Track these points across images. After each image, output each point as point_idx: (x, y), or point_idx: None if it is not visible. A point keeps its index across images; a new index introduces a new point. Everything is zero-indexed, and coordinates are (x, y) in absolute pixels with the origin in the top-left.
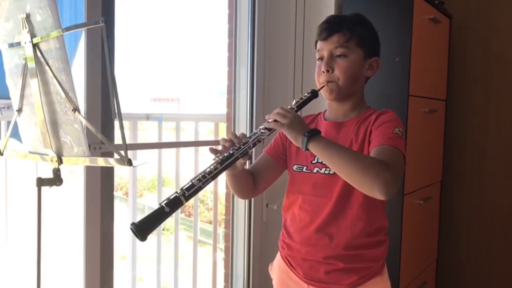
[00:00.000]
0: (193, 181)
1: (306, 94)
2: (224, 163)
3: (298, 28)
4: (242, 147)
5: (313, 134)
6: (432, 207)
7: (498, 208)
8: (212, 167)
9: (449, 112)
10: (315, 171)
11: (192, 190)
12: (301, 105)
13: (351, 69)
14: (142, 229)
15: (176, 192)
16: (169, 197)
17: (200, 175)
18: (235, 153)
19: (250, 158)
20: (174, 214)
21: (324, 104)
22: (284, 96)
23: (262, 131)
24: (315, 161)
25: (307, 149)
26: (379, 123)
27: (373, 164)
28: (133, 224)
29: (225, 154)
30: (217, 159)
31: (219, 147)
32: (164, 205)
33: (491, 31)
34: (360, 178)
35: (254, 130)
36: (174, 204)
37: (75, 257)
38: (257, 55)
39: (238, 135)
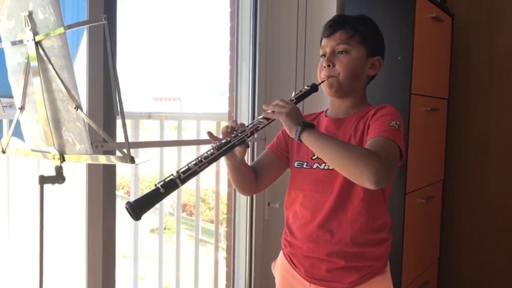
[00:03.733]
0: (189, 164)
1: (306, 87)
2: (221, 149)
3: (300, 27)
4: (239, 134)
5: (307, 125)
6: (434, 206)
7: (501, 206)
8: (209, 152)
9: (451, 110)
10: (314, 166)
11: (187, 173)
12: (301, 97)
13: (352, 65)
14: (137, 208)
15: (172, 175)
16: (165, 179)
17: (197, 159)
18: (232, 140)
19: (248, 146)
20: (175, 213)
21: (326, 102)
22: (286, 95)
23: (261, 120)
24: (315, 156)
25: (299, 139)
26: (377, 117)
27: (363, 154)
28: (128, 203)
29: (223, 141)
30: (214, 145)
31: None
32: (159, 186)
33: (494, 30)
34: (349, 168)
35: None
36: (169, 186)
37: (77, 256)
38: (259, 54)
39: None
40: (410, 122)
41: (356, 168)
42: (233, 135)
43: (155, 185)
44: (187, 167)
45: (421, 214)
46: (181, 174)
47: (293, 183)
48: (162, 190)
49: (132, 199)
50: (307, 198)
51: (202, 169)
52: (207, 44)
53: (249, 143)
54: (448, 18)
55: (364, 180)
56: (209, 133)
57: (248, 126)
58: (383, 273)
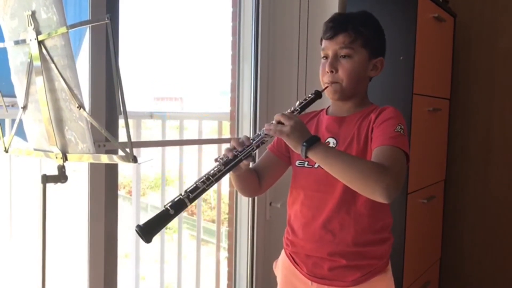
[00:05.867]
0: (197, 183)
1: (309, 95)
2: (228, 165)
3: (302, 26)
4: (245, 149)
5: (311, 143)
6: (436, 206)
7: (502, 207)
8: (216, 169)
9: (453, 111)
10: (316, 166)
11: (196, 192)
12: (305, 106)
13: (355, 70)
14: (147, 231)
15: (181, 195)
16: (173, 199)
17: (204, 177)
18: (238, 155)
19: (253, 159)
20: None
21: (326, 101)
22: (288, 94)
23: (266, 133)
24: None
25: (306, 157)
26: (380, 120)
27: (372, 170)
28: (138, 226)
29: (229, 157)
30: (220, 161)
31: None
32: (168, 207)
33: (496, 30)
34: (360, 184)
35: (257, 131)
36: (178, 206)
37: (79, 255)
38: (261, 53)
39: (240, 139)
40: (412, 122)
41: (367, 185)
42: (239, 150)
43: (164, 206)
44: (195, 185)
45: (423, 214)
46: (190, 194)
47: (294, 182)
48: (171, 212)
49: (133, 198)
50: (308, 197)
51: (210, 187)
52: (209, 43)
53: (255, 156)
54: (450, 18)
55: (376, 195)
56: (216, 160)
57: (253, 139)
58: (385, 272)
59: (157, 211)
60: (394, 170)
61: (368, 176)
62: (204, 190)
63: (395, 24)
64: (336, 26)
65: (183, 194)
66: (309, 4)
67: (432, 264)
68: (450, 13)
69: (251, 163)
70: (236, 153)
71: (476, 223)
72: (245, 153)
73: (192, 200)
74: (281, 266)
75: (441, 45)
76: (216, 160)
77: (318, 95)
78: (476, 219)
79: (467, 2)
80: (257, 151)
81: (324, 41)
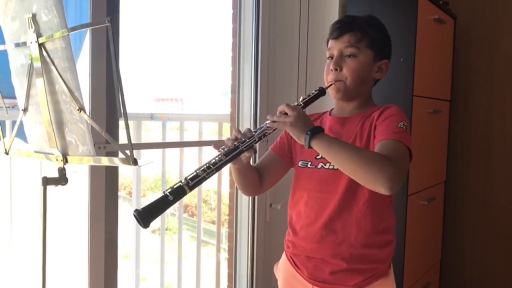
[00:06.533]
0: (197, 171)
1: (313, 91)
2: (229, 155)
3: (302, 28)
4: (247, 140)
5: (315, 132)
6: (436, 207)
7: (502, 208)
8: (217, 158)
9: (454, 112)
10: (319, 166)
11: (196, 180)
12: (308, 102)
13: (359, 69)
14: (145, 216)
15: (180, 181)
16: (173, 186)
17: (205, 166)
18: (240, 146)
19: (255, 152)
20: (177, 214)
21: (330, 103)
22: (288, 96)
23: (268, 125)
24: (319, 156)
25: (310, 147)
26: (383, 118)
27: (375, 159)
28: (136, 210)
29: (231, 147)
30: (222, 151)
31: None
32: (168, 194)
33: (496, 32)
34: (363, 174)
35: (259, 125)
36: (177, 193)
37: (80, 256)
38: (261, 55)
39: (243, 131)
40: (412, 124)
41: (370, 175)
42: (241, 141)
43: (164, 192)
44: (195, 173)
45: (423, 216)
46: (190, 181)
47: (297, 183)
48: (170, 198)
49: (134, 199)
50: (312, 198)
51: (210, 176)
52: (209, 45)
53: (256, 149)
54: (450, 20)
55: (378, 186)
56: (215, 147)
57: (255, 131)
58: (387, 276)
59: None
60: (397, 162)
61: (371, 165)
62: (204, 179)
63: (395, 26)
64: (342, 26)
65: (183, 181)
66: (310, 5)
67: (433, 266)
68: (450, 15)
69: (252, 156)
70: (237, 144)
71: (476, 225)
72: (247, 144)
73: (191, 188)
74: (282, 268)
75: (441, 47)
76: (216, 146)
77: (321, 91)
78: (476, 221)
79: (468, 4)
80: (258, 144)
81: (330, 41)
